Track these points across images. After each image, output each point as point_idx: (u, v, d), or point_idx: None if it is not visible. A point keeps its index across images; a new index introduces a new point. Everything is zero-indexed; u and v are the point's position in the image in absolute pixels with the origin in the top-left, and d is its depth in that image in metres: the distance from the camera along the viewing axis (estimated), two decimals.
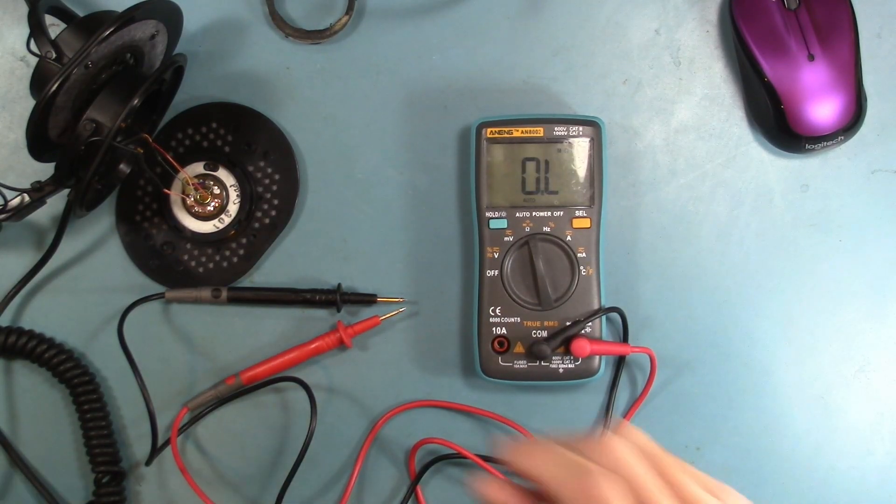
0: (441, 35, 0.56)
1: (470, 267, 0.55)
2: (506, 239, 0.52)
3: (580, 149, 0.52)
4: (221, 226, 0.54)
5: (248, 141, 0.55)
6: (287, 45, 0.56)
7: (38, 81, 0.48)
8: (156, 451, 0.52)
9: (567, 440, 0.35)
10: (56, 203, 0.53)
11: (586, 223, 0.52)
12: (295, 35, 0.55)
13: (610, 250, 0.54)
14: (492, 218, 0.52)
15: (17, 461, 0.54)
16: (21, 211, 0.50)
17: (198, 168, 0.54)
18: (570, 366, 0.52)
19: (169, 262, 0.55)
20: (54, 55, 0.46)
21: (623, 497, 0.32)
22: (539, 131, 0.52)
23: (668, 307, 0.55)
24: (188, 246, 0.55)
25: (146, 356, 0.53)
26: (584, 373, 0.52)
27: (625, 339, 0.54)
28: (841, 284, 0.55)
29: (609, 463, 0.33)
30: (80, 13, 0.50)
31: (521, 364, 0.52)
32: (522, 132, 0.52)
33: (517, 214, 0.52)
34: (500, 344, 0.52)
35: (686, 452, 0.55)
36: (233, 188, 0.54)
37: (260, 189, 0.55)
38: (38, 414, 0.55)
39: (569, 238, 0.52)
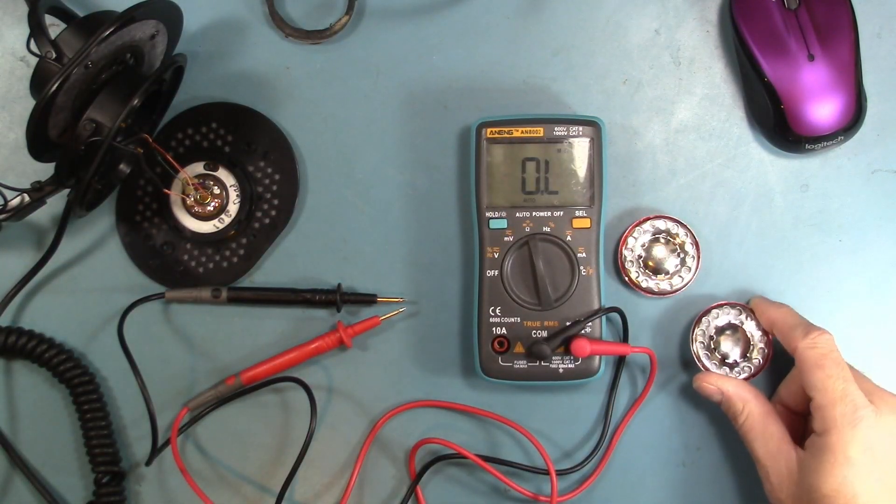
0: (441, 35, 0.56)
1: (470, 267, 0.55)
2: (506, 239, 0.52)
3: (580, 149, 0.52)
4: (221, 226, 0.54)
5: (248, 141, 0.55)
6: (287, 45, 0.56)
7: (38, 81, 0.48)
8: (156, 451, 0.52)
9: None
10: (56, 203, 0.53)
11: (586, 223, 0.52)
12: (295, 35, 0.55)
13: (610, 250, 0.55)
14: (492, 218, 0.52)
15: (17, 461, 0.54)
16: (21, 211, 0.50)
17: (198, 168, 0.54)
18: (570, 366, 0.52)
19: (169, 262, 0.55)
20: (54, 55, 0.46)
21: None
22: (539, 131, 0.52)
23: (668, 307, 0.55)
24: (188, 246, 0.55)
25: (146, 356, 0.53)
26: (584, 373, 0.52)
27: (625, 339, 0.54)
28: (841, 284, 0.55)
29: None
30: (80, 13, 0.50)
31: (521, 364, 0.52)
32: (522, 132, 0.52)
33: (517, 214, 0.52)
34: (500, 344, 0.52)
35: (686, 452, 0.55)
36: (233, 188, 0.54)
37: (260, 189, 0.55)
38: (38, 414, 0.55)
39: (569, 238, 0.52)
